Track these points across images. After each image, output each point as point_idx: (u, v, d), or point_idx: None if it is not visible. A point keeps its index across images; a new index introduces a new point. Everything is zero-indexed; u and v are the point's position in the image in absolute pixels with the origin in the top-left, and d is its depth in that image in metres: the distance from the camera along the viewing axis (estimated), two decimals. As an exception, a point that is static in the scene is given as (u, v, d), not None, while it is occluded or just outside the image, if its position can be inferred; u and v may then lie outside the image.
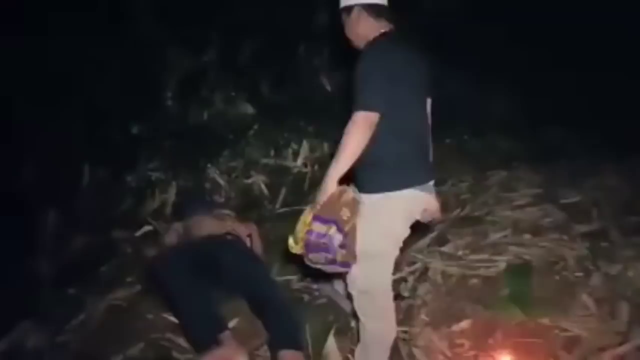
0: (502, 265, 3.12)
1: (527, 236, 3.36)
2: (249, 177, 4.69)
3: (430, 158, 2.51)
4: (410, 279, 3.24)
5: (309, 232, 2.13)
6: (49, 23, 4.43)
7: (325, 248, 2.12)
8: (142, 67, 5.03)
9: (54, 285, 3.26)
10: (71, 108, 4.44)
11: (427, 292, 3.10)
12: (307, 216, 2.19)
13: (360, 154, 2.15)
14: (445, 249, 3.42)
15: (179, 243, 3.21)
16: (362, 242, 2.24)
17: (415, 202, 2.35)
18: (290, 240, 2.22)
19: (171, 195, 4.37)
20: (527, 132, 4.97)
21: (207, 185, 4.52)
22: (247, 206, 4.34)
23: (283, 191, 4.47)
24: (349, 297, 2.50)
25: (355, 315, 2.52)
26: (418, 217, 2.41)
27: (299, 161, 4.76)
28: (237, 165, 4.78)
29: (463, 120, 4.95)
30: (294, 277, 3.38)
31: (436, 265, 3.26)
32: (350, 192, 2.23)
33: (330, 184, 2.17)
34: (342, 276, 2.55)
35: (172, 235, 3.38)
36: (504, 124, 5.01)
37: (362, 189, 2.32)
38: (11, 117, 4.10)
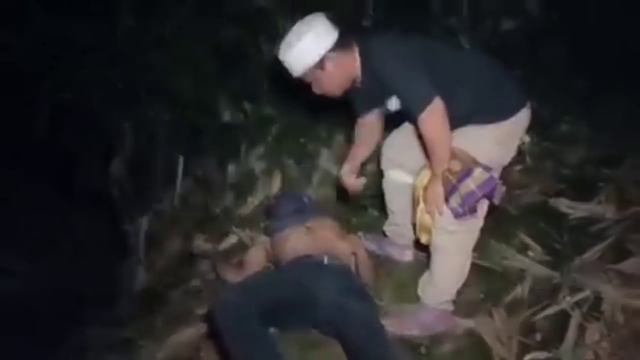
0: None
1: None
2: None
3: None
4: (576, 314, 2.32)
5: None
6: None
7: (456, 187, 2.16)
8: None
9: (104, 324, 2.75)
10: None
11: (600, 339, 2.19)
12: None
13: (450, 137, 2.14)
14: (625, 267, 2.49)
15: (250, 275, 2.52)
16: None
17: (525, 123, 2.32)
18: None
19: (274, 190, 3.71)
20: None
21: (316, 176, 3.79)
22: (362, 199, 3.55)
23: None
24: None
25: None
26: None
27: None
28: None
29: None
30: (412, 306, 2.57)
31: (613, 294, 2.34)
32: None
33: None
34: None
35: (256, 255, 2.73)
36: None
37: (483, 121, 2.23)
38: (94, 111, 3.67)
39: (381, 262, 2.80)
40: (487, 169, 2.18)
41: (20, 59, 3.62)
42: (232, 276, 2.67)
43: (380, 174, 2.79)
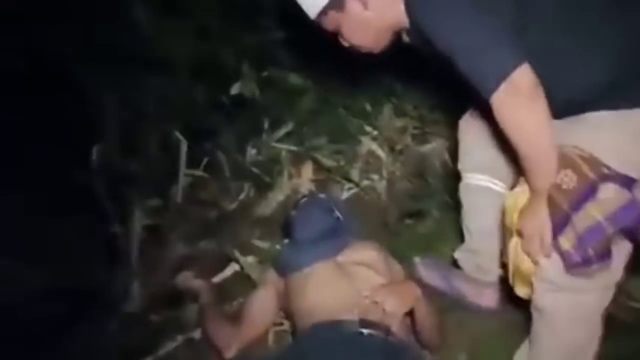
0: None
1: None
2: (425, 142, 3.01)
3: None
4: None
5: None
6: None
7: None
8: None
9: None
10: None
11: None
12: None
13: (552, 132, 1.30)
14: None
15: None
16: None
17: None
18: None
19: (304, 181, 2.89)
20: None
21: (359, 163, 2.93)
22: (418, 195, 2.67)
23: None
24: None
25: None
26: None
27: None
28: (406, 124, 3.08)
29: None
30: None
31: None
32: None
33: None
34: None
35: (262, 302, 1.90)
36: None
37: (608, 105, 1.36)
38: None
39: (448, 307, 1.90)
40: (624, 182, 1.31)
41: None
42: (222, 338, 1.85)
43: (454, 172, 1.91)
